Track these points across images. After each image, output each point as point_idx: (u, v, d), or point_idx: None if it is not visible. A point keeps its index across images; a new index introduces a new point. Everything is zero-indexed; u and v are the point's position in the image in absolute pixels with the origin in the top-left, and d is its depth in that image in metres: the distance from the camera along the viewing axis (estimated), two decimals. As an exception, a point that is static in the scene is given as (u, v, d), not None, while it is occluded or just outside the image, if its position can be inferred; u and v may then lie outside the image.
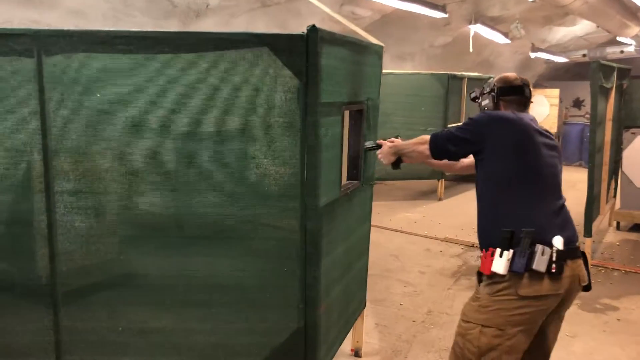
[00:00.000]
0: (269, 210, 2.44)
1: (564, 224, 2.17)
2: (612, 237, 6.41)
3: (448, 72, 8.29)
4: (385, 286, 4.76)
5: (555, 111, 12.44)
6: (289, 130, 2.37)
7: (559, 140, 12.79)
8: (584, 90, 14.90)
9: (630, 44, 11.28)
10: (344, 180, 3.07)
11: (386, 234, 6.51)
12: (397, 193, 9.05)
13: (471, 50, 8.84)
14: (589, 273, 2.22)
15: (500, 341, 2.07)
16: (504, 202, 2.21)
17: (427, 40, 9.10)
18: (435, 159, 2.49)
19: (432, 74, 8.21)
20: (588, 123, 12.73)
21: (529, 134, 2.24)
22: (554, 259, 2.05)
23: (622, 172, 6.56)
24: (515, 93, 2.52)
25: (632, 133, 6.44)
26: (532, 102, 2.62)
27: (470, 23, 8.38)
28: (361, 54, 3.01)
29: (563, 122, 12.76)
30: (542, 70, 14.63)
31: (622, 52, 11.75)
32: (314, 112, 2.36)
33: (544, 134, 2.33)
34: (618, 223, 6.69)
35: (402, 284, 4.84)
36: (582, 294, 2.31)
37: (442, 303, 4.39)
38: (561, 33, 11.68)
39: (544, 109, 12.53)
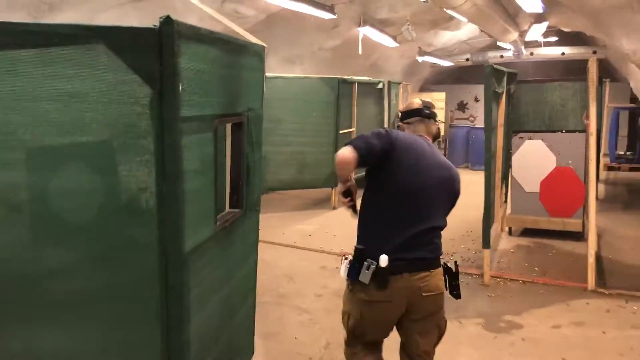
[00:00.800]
0: (114, 263, 1.83)
1: (405, 244, 2.39)
2: (505, 243, 6.37)
3: (338, 77, 7.97)
4: (278, 316, 4.25)
5: (442, 114, 12.64)
6: (139, 155, 1.78)
7: (446, 143, 13.04)
8: (467, 93, 15.43)
9: (509, 49, 11.69)
10: (227, 208, 2.52)
11: (279, 251, 6.01)
12: (291, 202, 8.60)
13: (360, 52, 8.59)
14: (455, 285, 2.53)
15: (358, 326, 2.50)
16: (361, 217, 2.53)
17: (316, 42, 8.74)
18: (360, 160, 2.37)
19: (322, 78, 7.85)
20: (473, 126, 13.15)
21: (407, 154, 2.43)
22: (377, 273, 2.36)
23: (512, 177, 6.56)
24: (415, 115, 2.64)
25: (520, 138, 6.45)
26: (437, 121, 2.68)
27: (359, 25, 8.12)
28: (238, 56, 2.47)
29: (449, 125, 13.00)
30: (427, 75, 14.90)
31: (501, 56, 12.18)
32: (172, 130, 1.79)
33: (432, 159, 2.49)
34: (510, 228, 6.68)
35: (297, 312, 4.36)
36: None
37: (341, 332, 3.95)
38: (446, 37, 11.87)
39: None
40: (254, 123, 2.71)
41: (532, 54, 11.87)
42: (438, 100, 12.63)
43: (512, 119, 6.65)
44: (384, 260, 2.34)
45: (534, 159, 6.38)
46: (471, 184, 9.91)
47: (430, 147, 2.53)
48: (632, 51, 5.60)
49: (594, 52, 11.23)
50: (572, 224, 6.26)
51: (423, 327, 2.50)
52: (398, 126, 2.70)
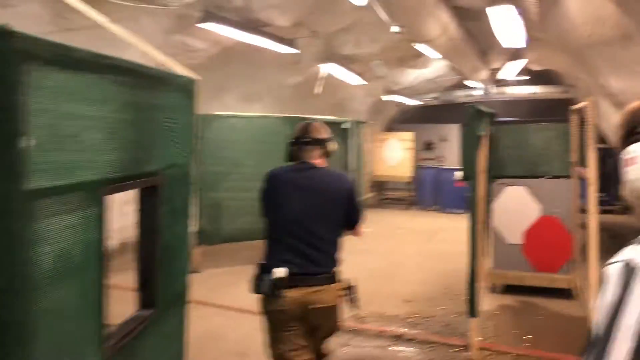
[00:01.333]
0: None
1: (291, 259, 2.62)
2: (488, 303, 5.67)
3: (301, 116, 7.29)
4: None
5: (409, 155, 12.12)
6: None
7: (414, 185, 12.47)
8: (433, 133, 14.99)
9: (478, 88, 11.32)
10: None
11: (230, 318, 5.16)
12: (248, 255, 7.77)
13: (317, 91, 7.99)
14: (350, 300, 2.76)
15: (270, 330, 2.72)
16: (265, 238, 2.76)
17: (277, 79, 8.10)
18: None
19: (283, 117, 7.16)
20: (441, 166, 12.66)
21: (275, 187, 2.78)
22: (273, 284, 2.59)
23: (492, 227, 5.91)
24: (293, 144, 2.83)
25: (501, 184, 5.85)
26: (322, 143, 2.77)
27: (322, 61, 7.52)
28: (150, 91, 1.73)
29: (418, 167, 12.47)
30: (393, 114, 14.45)
31: (470, 95, 11.80)
32: (7, 215, 1.03)
33: (303, 181, 2.72)
34: (492, 285, 6.00)
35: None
36: None
37: None
38: (413, 76, 11.43)
39: (397, 154, 12.16)
40: (178, 184, 1.95)
41: (502, 93, 11.53)
42: (405, 140, 12.11)
43: (491, 163, 6.05)
44: (276, 273, 2.58)
45: (516, 207, 5.78)
46: (443, 229, 9.24)
47: (304, 171, 2.75)
48: (620, 90, 5.11)
49: (566, 92, 10.95)
50: (560, 280, 5.63)
51: (316, 334, 2.74)
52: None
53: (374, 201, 12.39)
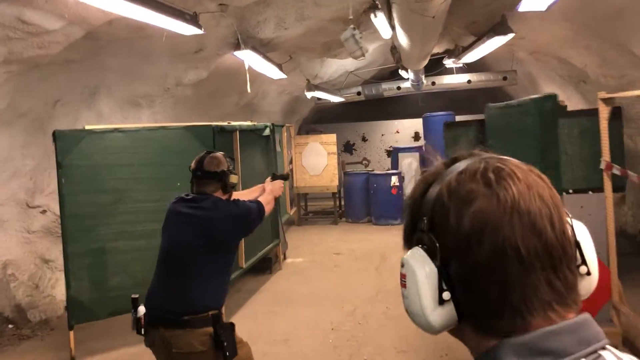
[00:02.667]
0: None
1: (155, 294, 2.60)
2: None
3: (213, 124, 5.23)
4: None
5: (334, 160, 10.35)
6: None
7: (340, 195, 10.72)
8: (352, 132, 13.36)
9: (407, 79, 9.78)
10: None
11: None
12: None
13: (249, 90, 5.94)
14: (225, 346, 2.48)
15: None
16: None
17: (172, 75, 5.93)
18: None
19: (187, 127, 5.04)
20: (372, 172, 11.05)
21: (165, 217, 2.78)
22: (135, 321, 2.57)
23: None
24: (192, 175, 2.76)
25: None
26: (203, 179, 2.67)
27: (236, 48, 5.48)
28: None
29: (344, 173, 10.74)
30: (307, 113, 12.63)
31: (398, 88, 10.25)
32: None
33: (180, 216, 2.66)
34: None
35: None
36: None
37: None
38: (333, 68, 9.67)
39: (321, 160, 10.35)
40: None
41: (433, 83, 10.08)
42: (327, 143, 10.32)
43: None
44: (140, 310, 2.54)
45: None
46: (390, 250, 7.41)
47: (191, 200, 2.67)
48: None
49: (504, 79, 9.70)
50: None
51: None
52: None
53: (295, 218, 10.49)
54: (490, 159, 0.73)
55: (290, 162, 10.27)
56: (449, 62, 8.37)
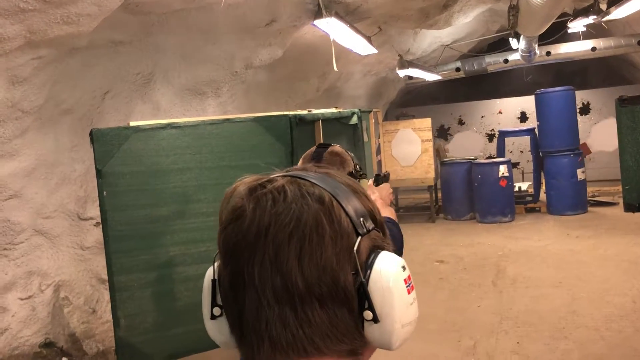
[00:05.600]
0: None
1: None
2: None
3: (290, 113, 4.15)
4: None
5: (429, 148, 9.03)
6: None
7: (436, 191, 9.39)
8: (447, 115, 11.93)
9: (516, 50, 8.26)
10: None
11: None
12: None
13: (335, 68, 4.83)
14: None
15: None
16: None
17: (240, 55, 4.89)
18: None
19: (257, 119, 3.98)
20: (475, 160, 9.59)
21: None
22: None
23: None
24: None
25: None
26: None
27: (317, 16, 4.35)
28: None
29: (441, 163, 9.41)
30: (394, 96, 11.35)
31: (506, 61, 8.74)
32: None
33: None
34: None
35: None
36: None
37: None
38: (427, 41, 8.35)
39: (414, 148, 9.06)
40: None
41: (548, 53, 8.50)
42: (422, 129, 9.02)
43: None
44: None
45: None
46: (511, 256, 6.10)
47: None
48: None
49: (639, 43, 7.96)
50: None
51: None
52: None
53: (387, 214, 9.27)
54: (282, 176, 0.67)
55: (378, 153, 9.08)
56: (576, 25, 6.81)
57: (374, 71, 8.61)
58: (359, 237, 0.63)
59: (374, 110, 8.32)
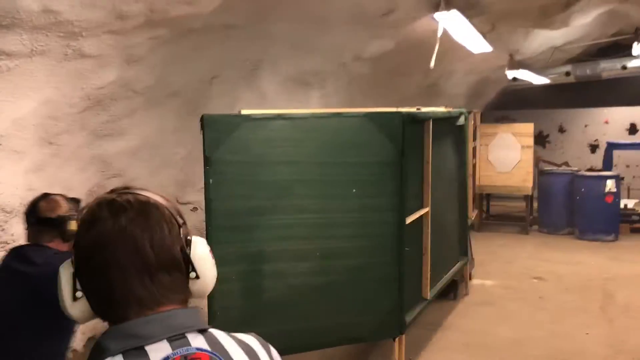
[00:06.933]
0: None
1: None
2: None
3: (403, 110, 3.90)
4: None
5: (529, 156, 8.50)
6: None
7: (531, 201, 8.82)
8: (547, 121, 11.23)
9: (637, 56, 7.56)
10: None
11: None
12: None
13: (432, 65, 4.55)
14: None
15: None
16: None
17: (351, 46, 4.69)
18: None
19: (369, 115, 3.74)
20: (579, 172, 8.86)
21: None
22: None
23: None
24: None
25: None
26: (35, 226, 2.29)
27: (437, 9, 4.06)
28: None
29: (540, 172, 8.84)
30: (492, 97, 10.80)
31: (624, 67, 8.05)
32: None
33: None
34: None
35: None
36: None
37: None
38: (537, 41, 7.80)
39: (513, 154, 8.55)
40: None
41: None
42: (523, 134, 8.49)
43: None
44: None
45: None
46: (618, 280, 5.56)
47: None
48: None
49: None
50: None
51: None
52: None
53: (475, 222, 8.85)
54: (122, 193, 0.96)
55: (473, 157, 8.65)
56: None
57: (477, 70, 8.17)
58: (181, 227, 0.96)
59: (473, 111, 7.90)
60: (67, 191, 3.90)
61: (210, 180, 3.37)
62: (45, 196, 2.33)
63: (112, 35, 3.14)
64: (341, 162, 3.65)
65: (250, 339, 1.01)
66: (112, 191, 0.99)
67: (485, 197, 9.33)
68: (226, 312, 3.41)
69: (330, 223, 3.66)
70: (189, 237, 0.97)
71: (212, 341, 0.92)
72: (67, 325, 2.21)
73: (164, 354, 0.86)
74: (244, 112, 3.51)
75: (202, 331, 0.92)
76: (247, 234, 3.51)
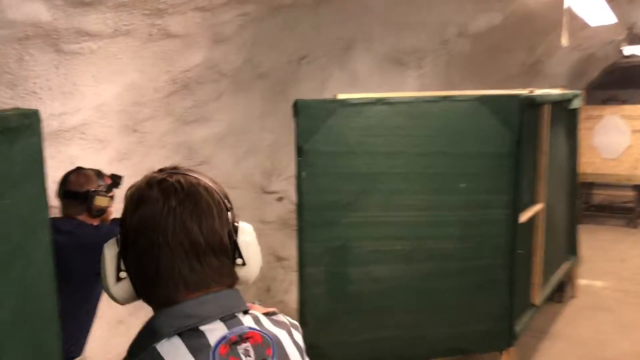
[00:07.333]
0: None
1: None
2: None
3: (520, 94, 3.40)
4: None
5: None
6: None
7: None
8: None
9: None
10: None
11: None
12: None
13: (565, 42, 3.98)
14: None
15: None
16: None
17: (456, 21, 4.20)
18: None
19: (483, 98, 3.27)
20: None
21: None
22: None
23: None
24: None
25: None
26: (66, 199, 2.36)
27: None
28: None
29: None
30: (594, 77, 9.85)
31: None
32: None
33: None
34: None
35: None
36: None
37: None
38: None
39: (622, 139, 7.72)
40: None
41: None
42: (635, 117, 7.63)
43: None
44: None
45: None
46: None
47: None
48: None
49: None
50: None
51: None
52: None
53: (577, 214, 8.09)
54: (172, 174, 0.93)
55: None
56: None
57: (584, 46, 7.37)
58: (229, 212, 0.94)
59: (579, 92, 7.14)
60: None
61: (303, 173, 3.04)
62: (77, 170, 2.36)
63: (199, 13, 2.87)
64: (449, 153, 3.22)
65: (281, 317, 1.02)
66: (160, 170, 0.95)
67: (587, 186, 8.53)
68: (315, 315, 3.12)
69: (433, 221, 3.25)
70: (236, 223, 0.94)
71: (257, 321, 0.92)
72: (86, 296, 2.28)
73: (221, 334, 0.86)
74: (340, 96, 3.15)
75: (246, 312, 0.93)
76: (341, 232, 3.18)
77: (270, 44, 3.78)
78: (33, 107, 2.39)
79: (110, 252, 0.92)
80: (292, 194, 4.13)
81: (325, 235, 3.15)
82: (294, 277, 4.38)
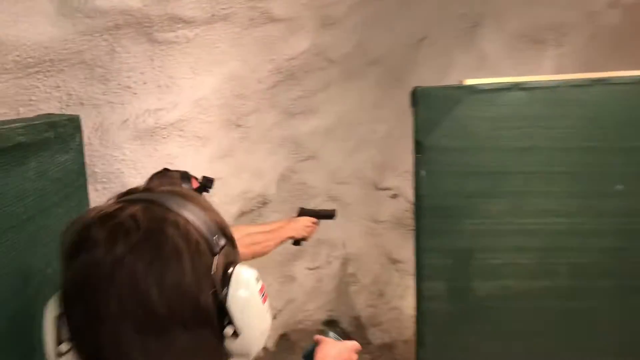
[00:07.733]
0: None
1: None
2: None
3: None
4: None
5: None
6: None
7: None
8: None
9: None
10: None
11: None
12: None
13: None
14: None
15: None
16: None
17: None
18: None
19: (648, 80, 2.64)
20: None
21: None
22: None
23: None
24: None
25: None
26: None
27: None
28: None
29: None
30: None
31: None
32: None
33: None
34: None
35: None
36: None
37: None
38: None
39: None
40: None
41: None
42: None
43: None
44: None
45: None
46: None
47: None
48: None
49: None
50: None
51: None
52: None
53: None
54: (130, 202, 0.63)
55: None
56: None
57: None
58: (215, 257, 0.62)
59: None
60: (256, 178, 3.49)
61: (422, 172, 2.63)
62: (162, 172, 2.08)
63: (305, -8, 2.56)
64: (601, 148, 2.64)
65: None
66: (123, 195, 0.66)
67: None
68: (435, 334, 2.70)
69: (582, 230, 2.69)
70: (229, 270, 0.63)
71: None
72: None
73: None
74: (469, 81, 2.68)
75: None
76: (466, 241, 2.72)
77: (384, 25, 3.39)
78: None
79: (50, 314, 0.65)
80: (408, 191, 3.72)
81: (447, 243, 2.72)
82: (410, 281, 3.98)
